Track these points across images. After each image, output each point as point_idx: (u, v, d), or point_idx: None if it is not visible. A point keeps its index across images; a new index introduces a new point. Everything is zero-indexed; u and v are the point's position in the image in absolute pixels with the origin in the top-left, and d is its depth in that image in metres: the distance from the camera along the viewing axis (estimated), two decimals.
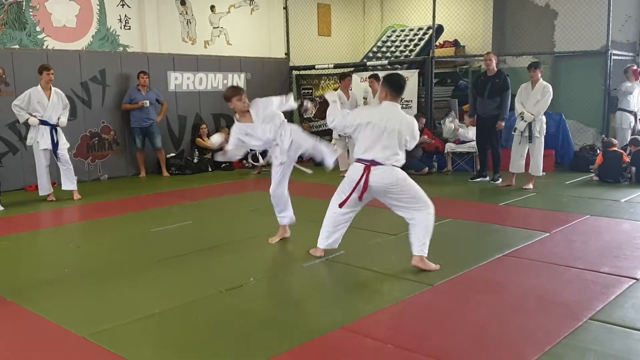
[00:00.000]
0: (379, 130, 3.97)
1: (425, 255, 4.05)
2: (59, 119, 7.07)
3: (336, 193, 4.28)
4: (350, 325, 3.21)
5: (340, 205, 4.19)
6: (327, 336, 3.08)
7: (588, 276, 3.95)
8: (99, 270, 4.39)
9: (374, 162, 4.00)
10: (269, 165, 10.54)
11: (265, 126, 4.67)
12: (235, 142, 4.73)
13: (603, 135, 8.62)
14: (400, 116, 4.06)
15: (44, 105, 6.95)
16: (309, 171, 4.99)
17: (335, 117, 4.27)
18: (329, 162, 4.88)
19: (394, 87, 4.08)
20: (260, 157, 5.19)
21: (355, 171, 4.08)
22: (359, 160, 4.08)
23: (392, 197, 4.07)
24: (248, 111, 4.71)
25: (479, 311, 3.41)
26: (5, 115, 7.68)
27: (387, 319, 3.35)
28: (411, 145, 4.13)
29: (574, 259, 4.34)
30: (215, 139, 4.86)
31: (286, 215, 5.03)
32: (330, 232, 4.35)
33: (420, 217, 4.04)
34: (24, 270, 4.49)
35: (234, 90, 4.76)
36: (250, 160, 5.36)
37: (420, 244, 4.05)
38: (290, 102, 4.91)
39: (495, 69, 7.65)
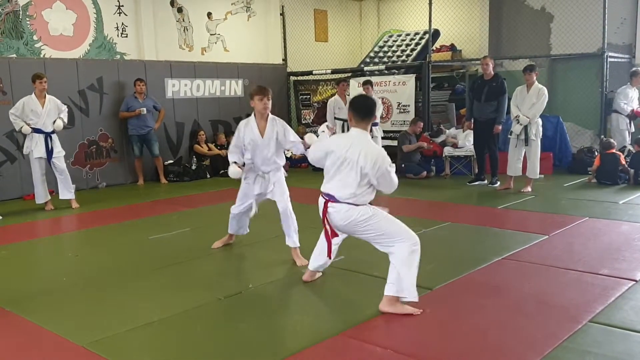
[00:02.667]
0: (338, 160, 3.47)
1: (403, 297, 3.42)
2: (54, 122, 7.04)
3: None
4: (350, 331, 3.20)
5: (328, 239, 3.76)
6: (327, 342, 3.08)
7: (587, 278, 3.95)
8: (97, 278, 4.38)
9: (330, 198, 3.51)
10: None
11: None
12: None
13: (602, 137, 8.63)
14: (363, 146, 3.43)
15: (38, 114, 6.95)
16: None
17: (310, 151, 3.87)
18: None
19: (356, 110, 3.52)
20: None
21: (320, 204, 3.63)
22: (322, 193, 3.63)
23: (359, 235, 3.57)
24: None
25: (479, 315, 3.40)
26: (2, 124, 7.68)
27: (387, 325, 3.33)
28: (380, 186, 3.48)
29: (573, 262, 4.34)
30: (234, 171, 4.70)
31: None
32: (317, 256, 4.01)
33: (398, 250, 3.41)
34: (22, 279, 4.48)
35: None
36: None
37: (395, 285, 3.41)
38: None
39: (492, 72, 7.67)
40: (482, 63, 7.77)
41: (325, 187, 3.58)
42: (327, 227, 3.63)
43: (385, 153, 3.50)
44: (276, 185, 4.75)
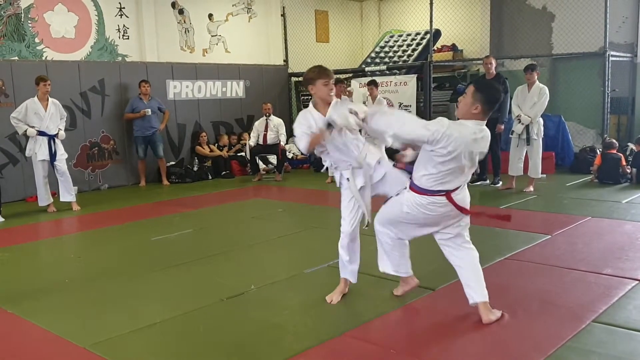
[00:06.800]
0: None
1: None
2: (59, 131, 7.09)
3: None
4: (352, 331, 3.19)
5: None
6: (329, 342, 3.07)
7: (590, 278, 3.94)
8: (99, 280, 4.38)
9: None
10: (268, 172, 10.40)
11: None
12: None
13: (605, 135, 8.61)
14: None
15: (41, 117, 6.95)
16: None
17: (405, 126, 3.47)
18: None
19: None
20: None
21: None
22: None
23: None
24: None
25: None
26: (5, 126, 7.69)
27: (390, 324, 3.33)
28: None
29: (576, 261, 4.33)
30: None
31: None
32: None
33: (469, 257, 3.41)
34: (24, 281, 4.48)
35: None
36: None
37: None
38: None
39: (494, 72, 7.66)
40: (484, 62, 7.75)
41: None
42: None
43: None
44: (386, 174, 3.64)
